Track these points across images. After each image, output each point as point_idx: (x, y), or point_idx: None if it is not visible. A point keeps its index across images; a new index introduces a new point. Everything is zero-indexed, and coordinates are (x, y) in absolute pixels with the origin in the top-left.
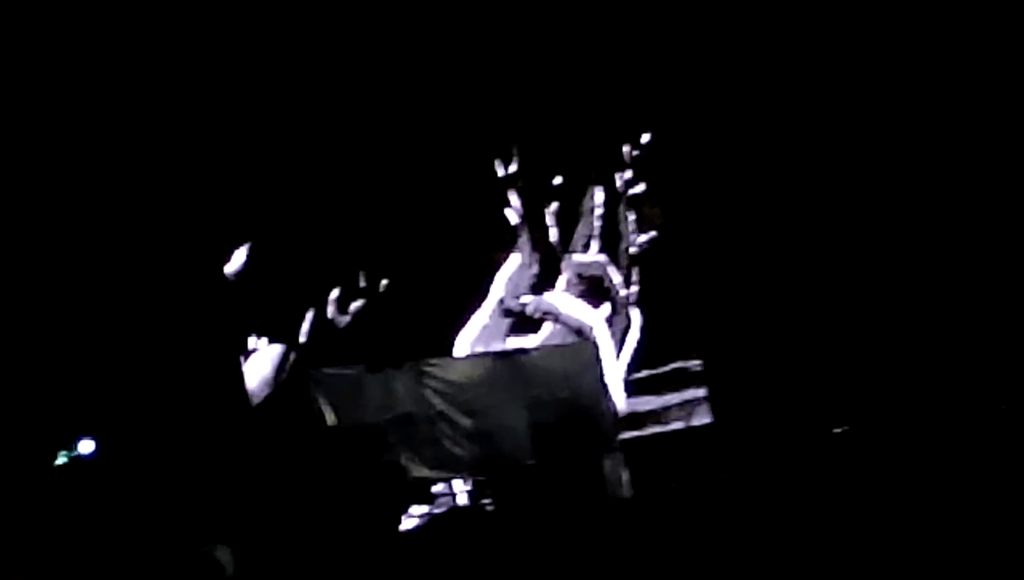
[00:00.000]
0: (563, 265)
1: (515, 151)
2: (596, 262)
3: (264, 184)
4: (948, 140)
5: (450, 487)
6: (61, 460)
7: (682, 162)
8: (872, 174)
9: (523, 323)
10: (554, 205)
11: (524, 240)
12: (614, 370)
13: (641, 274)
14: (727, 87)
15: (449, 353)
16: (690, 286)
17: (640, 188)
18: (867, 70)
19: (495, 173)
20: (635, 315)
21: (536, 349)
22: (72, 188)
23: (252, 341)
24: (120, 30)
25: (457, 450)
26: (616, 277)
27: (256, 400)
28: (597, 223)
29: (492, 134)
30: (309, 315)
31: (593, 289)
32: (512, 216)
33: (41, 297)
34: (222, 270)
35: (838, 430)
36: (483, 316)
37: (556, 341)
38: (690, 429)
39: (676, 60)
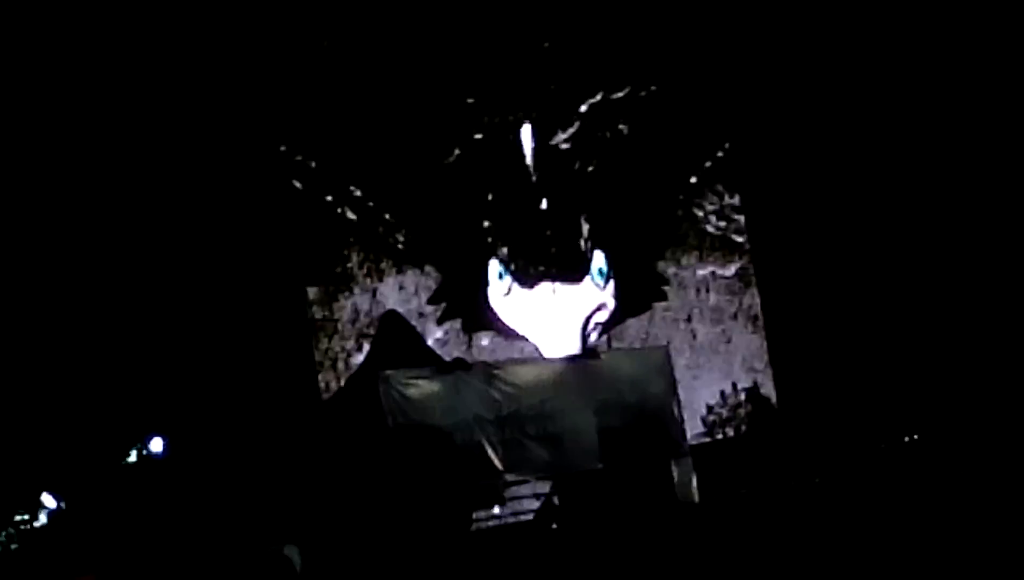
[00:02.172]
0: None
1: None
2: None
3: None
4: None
5: (519, 490)
6: (132, 458)
7: (755, 164)
8: (944, 182)
9: None
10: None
11: None
12: None
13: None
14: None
15: None
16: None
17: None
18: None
19: None
20: None
21: (606, 353)
22: (147, 198)
23: None
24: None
25: (525, 454)
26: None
27: None
28: None
29: None
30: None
31: None
32: None
33: (114, 299)
34: (294, 274)
35: (908, 439)
36: None
37: None
38: (759, 435)
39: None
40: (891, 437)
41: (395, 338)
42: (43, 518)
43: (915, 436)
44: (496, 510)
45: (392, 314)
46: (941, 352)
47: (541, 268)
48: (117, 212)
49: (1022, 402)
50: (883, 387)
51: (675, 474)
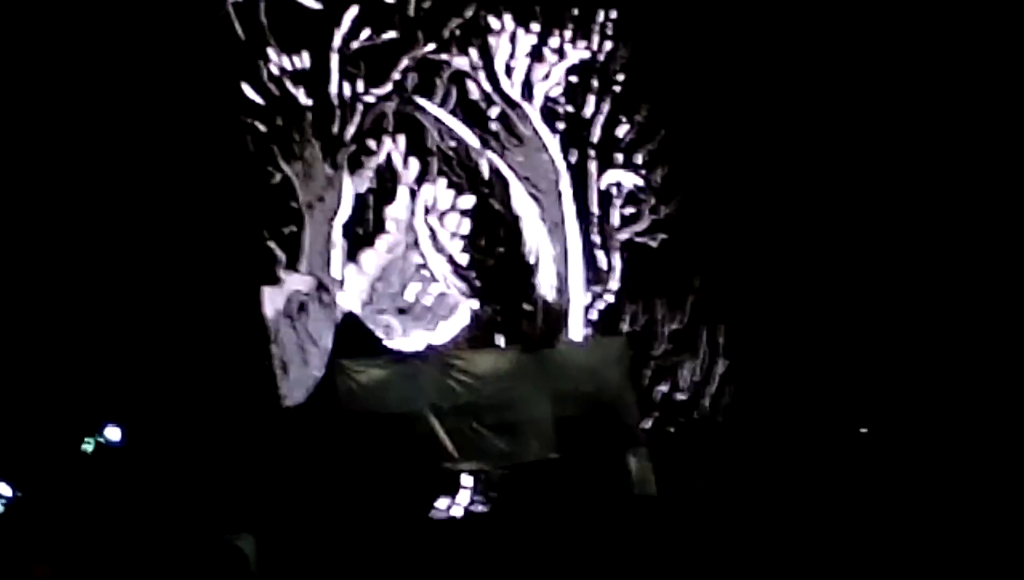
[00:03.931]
0: None
1: None
2: None
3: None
4: (965, 138)
5: (474, 479)
6: (88, 447)
7: (699, 154)
8: (899, 175)
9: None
10: None
11: None
12: None
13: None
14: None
15: None
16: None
17: None
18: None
19: None
20: None
21: (563, 343)
22: (99, 182)
23: None
24: None
25: (481, 442)
26: None
27: None
28: None
29: None
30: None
31: None
32: None
33: (71, 288)
34: (250, 263)
35: (864, 430)
36: None
37: None
38: (716, 426)
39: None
40: (846, 428)
41: (352, 338)
42: None
43: (870, 428)
44: (452, 499)
45: (349, 315)
46: (895, 348)
47: None
48: (77, 201)
49: (973, 398)
50: (839, 381)
51: (631, 464)
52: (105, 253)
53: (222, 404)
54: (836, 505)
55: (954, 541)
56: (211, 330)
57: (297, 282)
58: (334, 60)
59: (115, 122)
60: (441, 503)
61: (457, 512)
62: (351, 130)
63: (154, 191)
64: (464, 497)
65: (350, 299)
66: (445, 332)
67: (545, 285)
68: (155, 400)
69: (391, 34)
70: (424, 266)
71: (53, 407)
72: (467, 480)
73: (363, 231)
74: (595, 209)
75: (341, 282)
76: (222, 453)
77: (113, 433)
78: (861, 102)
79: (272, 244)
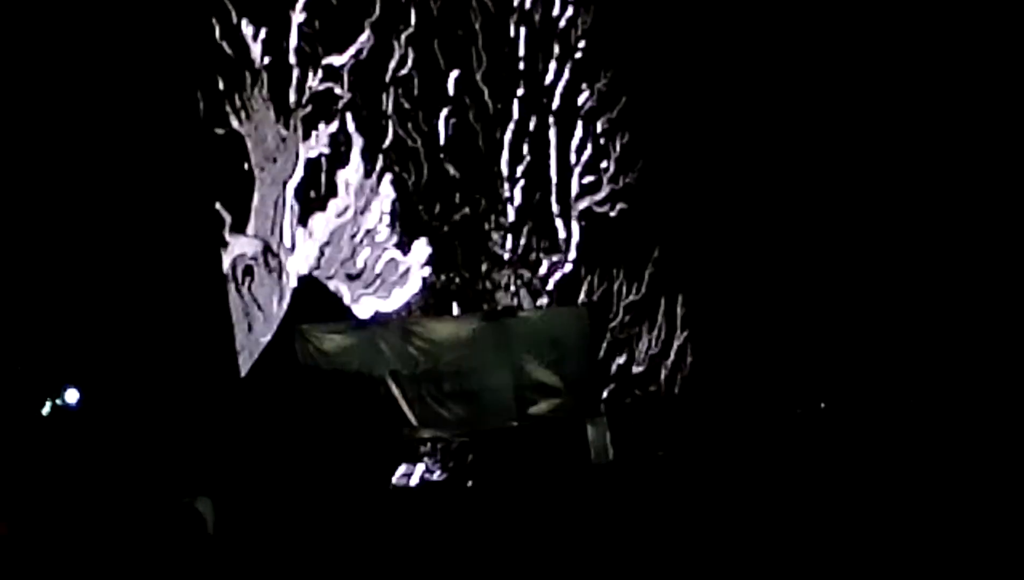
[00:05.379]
0: None
1: None
2: None
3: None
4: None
5: (433, 446)
6: (47, 409)
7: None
8: (856, 148)
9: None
10: None
11: None
12: None
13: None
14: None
15: None
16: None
17: None
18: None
19: None
20: None
21: (524, 311)
22: (46, 143)
23: None
24: None
25: (441, 409)
26: None
27: None
28: None
29: None
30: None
31: None
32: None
33: (25, 251)
34: (209, 226)
35: (823, 404)
36: None
37: None
38: (677, 397)
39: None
40: (804, 402)
41: (312, 298)
42: None
43: (829, 402)
44: (412, 466)
45: (308, 277)
46: (855, 322)
47: None
48: (28, 164)
49: (934, 371)
50: (798, 354)
51: (590, 433)
52: (65, 217)
53: (181, 368)
54: (793, 479)
55: (911, 516)
56: (172, 295)
57: (243, 245)
58: (293, 20)
59: (63, 79)
60: (399, 470)
61: (415, 479)
62: (307, 92)
63: (100, 151)
64: (422, 465)
65: (299, 264)
66: (396, 299)
67: (504, 253)
68: (114, 363)
69: None
70: (375, 231)
71: (10, 369)
72: (426, 447)
73: (315, 194)
74: (554, 177)
75: (292, 247)
76: (179, 416)
77: (71, 395)
78: (820, 74)
79: (218, 205)
